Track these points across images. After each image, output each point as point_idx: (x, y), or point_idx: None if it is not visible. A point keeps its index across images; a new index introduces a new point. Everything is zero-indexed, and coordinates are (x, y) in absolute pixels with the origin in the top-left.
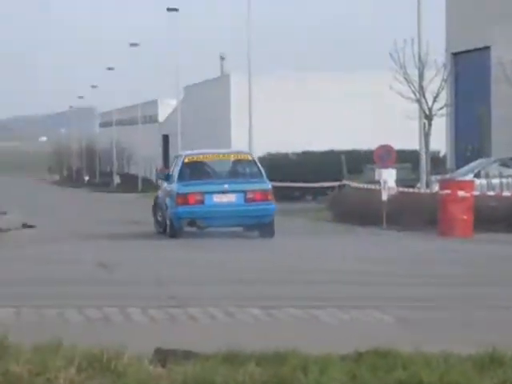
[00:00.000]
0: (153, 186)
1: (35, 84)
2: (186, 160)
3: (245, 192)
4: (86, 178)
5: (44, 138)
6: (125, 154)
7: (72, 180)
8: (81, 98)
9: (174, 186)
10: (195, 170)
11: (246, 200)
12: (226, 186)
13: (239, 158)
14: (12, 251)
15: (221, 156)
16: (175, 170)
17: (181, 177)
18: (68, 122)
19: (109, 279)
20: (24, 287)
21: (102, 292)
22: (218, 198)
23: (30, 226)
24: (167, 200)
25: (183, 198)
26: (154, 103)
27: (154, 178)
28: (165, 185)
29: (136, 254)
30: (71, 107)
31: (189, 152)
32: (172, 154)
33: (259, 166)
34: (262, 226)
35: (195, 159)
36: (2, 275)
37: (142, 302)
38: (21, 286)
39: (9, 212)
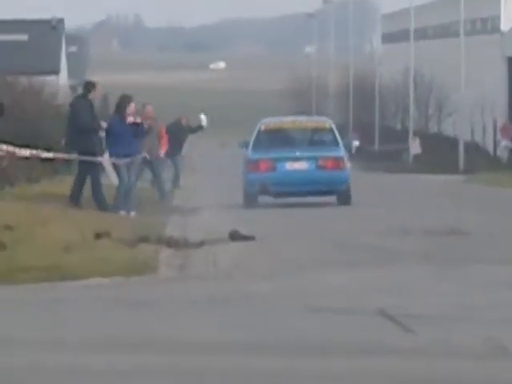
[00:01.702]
0: (489, 161)
1: None
2: (263, 128)
3: (316, 159)
4: (355, 143)
5: (222, 64)
6: (431, 97)
7: None
8: None
9: (248, 154)
10: (271, 138)
11: (318, 167)
12: (297, 153)
13: (316, 125)
14: (214, 288)
15: (297, 124)
16: (252, 138)
17: (255, 144)
18: (317, 32)
19: (408, 346)
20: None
21: (400, 370)
22: (289, 165)
23: (246, 238)
24: (242, 168)
25: (254, 165)
26: None
27: (491, 144)
28: (245, 153)
29: (448, 295)
30: (326, 1)
31: (266, 120)
32: None
33: (336, 133)
34: (337, 194)
35: (271, 127)
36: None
37: None
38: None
39: (199, 207)
